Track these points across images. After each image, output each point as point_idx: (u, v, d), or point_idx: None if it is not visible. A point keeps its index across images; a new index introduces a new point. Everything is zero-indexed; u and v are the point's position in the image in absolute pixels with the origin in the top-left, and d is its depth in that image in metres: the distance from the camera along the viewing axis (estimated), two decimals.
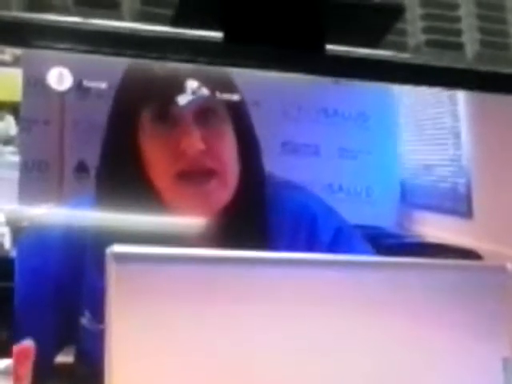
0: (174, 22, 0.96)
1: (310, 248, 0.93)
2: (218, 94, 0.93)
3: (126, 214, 0.89)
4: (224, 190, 0.92)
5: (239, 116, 0.93)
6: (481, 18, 1.11)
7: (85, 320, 0.88)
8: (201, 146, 0.90)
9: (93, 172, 0.92)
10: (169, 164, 0.91)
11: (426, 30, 1.08)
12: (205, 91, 0.92)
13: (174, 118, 0.91)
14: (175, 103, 0.91)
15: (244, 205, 0.93)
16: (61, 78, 0.90)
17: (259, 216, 0.93)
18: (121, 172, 0.91)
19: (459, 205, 1.02)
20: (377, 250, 0.94)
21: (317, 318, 0.79)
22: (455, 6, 1.11)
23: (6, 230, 0.85)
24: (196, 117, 0.91)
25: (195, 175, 0.91)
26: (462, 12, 1.11)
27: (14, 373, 0.80)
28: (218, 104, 0.92)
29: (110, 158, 0.91)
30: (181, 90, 0.91)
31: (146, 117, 0.91)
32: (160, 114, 0.91)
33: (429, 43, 1.08)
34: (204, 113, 0.92)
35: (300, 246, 0.93)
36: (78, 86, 0.91)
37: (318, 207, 0.95)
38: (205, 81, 0.92)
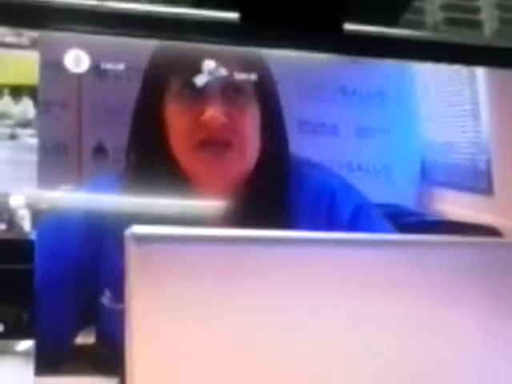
0: (191, 3, 0.96)
1: (329, 225, 0.93)
2: (241, 76, 0.93)
3: (146, 196, 0.89)
4: (240, 161, 0.93)
5: (265, 95, 0.94)
6: None
7: (105, 299, 0.88)
8: (223, 119, 0.91)
9: (112, 154, 0.92)
10: (190, 133, 0.92)
11: (443, 8, 1.08)
12: (226, 71, 0.93)
13: (200, 89, 0.92)
14: (202, 76, 0.92)
15: (265, 182, 0.93)
16: (78, 60, 0.91)
17: (281, 194, 0.94)
18: (147, 144, 0.92)
19: (479, 182, 1.01)
20: (397, 228, 0.94)
21: (338, 297, 0.79)
22: None
23: (25, 213, 0.85)
24: (222, 91, 0.92)
25: (212, 144, 0.92)
26: None
27: None
28: (246, 82, 0.93)
29: (138, 134, 0.92)
30: (207, 66, 0.92)
31: (173, 88, 0.92)
32: (187, 85, 0.92)
33: (447, 21, 1.07)
34: (230, 88, 0.93)
35: (320, 224, 0.93)
36: (96, 68, 0.91)
37: (338, 185, 0.96)
38: (228, 63, 0.93)
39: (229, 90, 0.93)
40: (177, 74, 0.92)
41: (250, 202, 0.92)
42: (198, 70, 0.92)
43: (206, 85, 0.92)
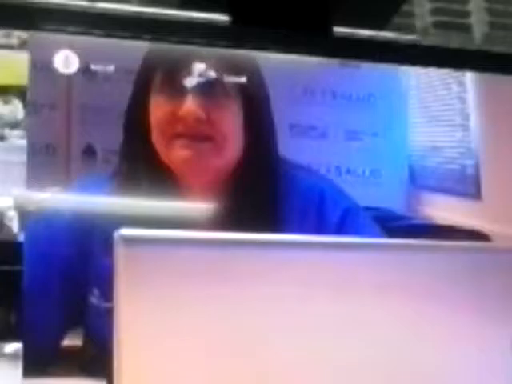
0: (181, 5, 0.96)
1: (318, 228, 0.93)
2: (226, 76, 0.93)
3: (134, 197, 0.89)
4: (217, 157, 0.93)
5: (252, 97, 0.94)
6: None
7: (94, 299, 0.88)
8: (201, 114, 0.91)
9: (100, 155, 0.92)
10: (168, 126, 0.92)
11: (433, 12, 1.08)
12: (213, 73, 0.92)
13: (181, 84, 0.92)
14: (184, 74, 0.92)
15: (252, 184, 0.93)
16: (67, 61, 0.90)
17: (269, 197, 0.94)
18: (135, 144, 0.92)
19: (468, 186, 1.01)
20: (385, 232, 0.95)
21: (326, 301, 0.79)
22: None
23: (14, 214, 0.85)
24: (203, 89, 0.92)
25: (188, 138, 0.92)
26: None
27: None
28: (229, 82, 0.93)
29: (128, 134, 0.92)
30: (190, 66, 0.92)
31: (157, 87, 0.92)
32: (169, 79, 0.92)
33: (436, 25, 1.08)
34: (211, 85, 0.93)
35: (309, 227, 0.93)
36: (85, 70, 0.91)
37: (327, 188, 0.96)
38: (214, 62, 0.93)
39: (209, 86, 0.92)
40: (161, 69, 0.92)
41: (238, 203, 0.92)
42: (185, 71, 0.92)
43: (188, 80, 0.92)
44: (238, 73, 0.93)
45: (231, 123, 0.93)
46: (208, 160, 0.92)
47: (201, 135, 0.92)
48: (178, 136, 0.91)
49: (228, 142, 0.93)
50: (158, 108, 0.92)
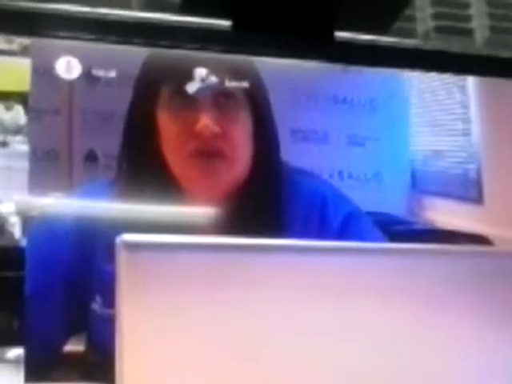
0: (182, 10, 0.96)
1: (320, 233, 0.93)
2: (232, 85, 0.93)
3: (137, 203, 0.89)
4: (232, 170, 0.93)
5: (257, 102, 0.94)
6: (490, 3, 1.10)
7: (96, 305, 0.88)
8: (215, 128, 0.91)
9: (102, 161, 0.92)
10: (182, 141, 0.91)
11: (435, 17, 1.08)
12: (217, 79, 0.92)
13: (191, 97, 0.91)
14: (194, 84, 0.91)
15: (257, 190, 0.93)
16: (69, 66, 0.90)
17: (273, 202, 0.94)
18: (139, 152, 0.92)
19: (470, 191, 1.01)
20: (387, 237, 0.94)
21: (328, 305, 0.78)
22: None
23: (16, 220, 0.85)
24: (213, 98, 0.92)
25: (205, 154, 0.91)
26: None
27: None
28: (238, 88, 0.93)
29: (130, 141, 0.92)
30: (198, 74, 0.92)
31: (165, 95, 0.92)
32: (179, 93, 0.92)
33: (438, 29, 1.07)
34: (222, 95, 0.92)
35: (311, 232, 0.93)
36: (87, 75, 0.91)
37: (329, 192, 0.96)
38: (219, 68, 0.93)
39: (220, 98, 0.92)
40: (168, 81, 0.92)
41: (242, 209, 0.91)
42: (189, 78, 0.92)
43: (198, 92, 0.91)
44: (241, 79, 0.93)
45: (242, 135, 0.93)
46: (222, 175, 0.92)
47: (215, 150, 0.91)
48: (193, 153, 0.91)
49: (241, 154, 0.93)
50: (169, 122, 0.91)
